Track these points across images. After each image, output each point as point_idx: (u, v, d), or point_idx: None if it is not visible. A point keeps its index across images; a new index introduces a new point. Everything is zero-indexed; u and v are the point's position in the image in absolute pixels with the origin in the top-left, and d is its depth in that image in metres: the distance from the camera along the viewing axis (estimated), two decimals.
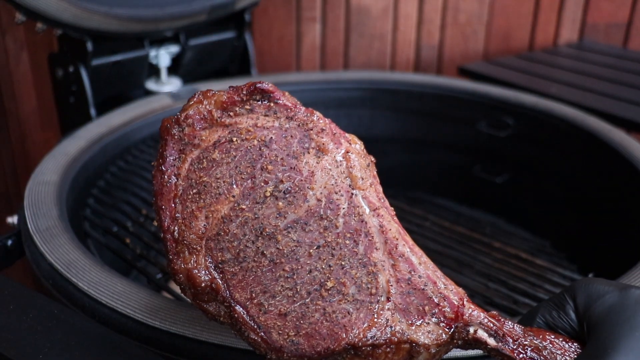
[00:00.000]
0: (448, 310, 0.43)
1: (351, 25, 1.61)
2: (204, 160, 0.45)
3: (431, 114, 1.23)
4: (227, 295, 0.44)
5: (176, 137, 0.46)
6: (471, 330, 0.43)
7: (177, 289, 0.76)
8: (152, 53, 1.16)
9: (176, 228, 0.45)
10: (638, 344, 0.39)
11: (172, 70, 1.21)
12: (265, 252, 0.44)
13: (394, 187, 1.24)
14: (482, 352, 0.46)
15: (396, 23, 1.61)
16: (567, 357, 0.42)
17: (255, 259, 0.44)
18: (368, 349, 0.43)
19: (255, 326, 0.44)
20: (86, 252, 0.66)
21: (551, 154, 1.10)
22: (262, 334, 0.43)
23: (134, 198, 0.95)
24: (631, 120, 1.08)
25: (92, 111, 1.08)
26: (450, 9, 1.59)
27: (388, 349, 0.43)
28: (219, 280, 0.44)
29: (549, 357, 0.42)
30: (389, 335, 0.43)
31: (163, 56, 1.17)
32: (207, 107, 0.45)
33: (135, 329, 0.56)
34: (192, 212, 0.44)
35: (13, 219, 0.77)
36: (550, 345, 0.43)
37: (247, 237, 0.44)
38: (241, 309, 0.44)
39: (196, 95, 0.46)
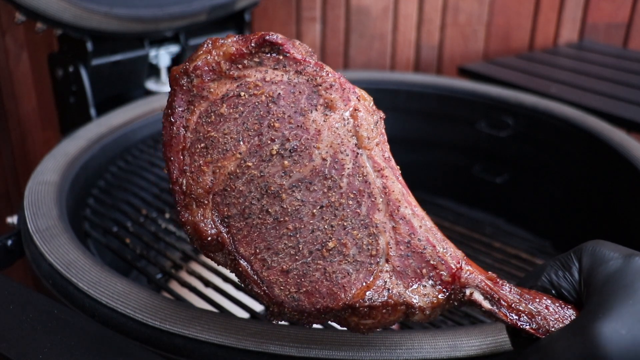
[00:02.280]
0: (445, 274, 0.44)
1: (351, 25, 1.61)
2: (212, 114, 0.44)
3: (431, 114, 1.23)
4: (233, 249, 0.45)
5: (185, 88, 0.45)
6: (467, 292, 0.44)
7: (177, 289, 0.76)
8: (152, 53, 1.16)
9: (184, 181, 0.45)
10: (630, 310, 0.38)
11: None
12: (269, 210, 0.44)
13: None
14: (484, 352, 0.46)
15: (396, 23, 1.61)
16: (561, 324, 0.43)
17: (260, 216, 0.44)
18: (365, 309, 0.44)
19: (259, 280, 0.45)
20: (86, 252, 0.66)
21: (551, 153, 1.10)
22: (265, 288, 0.45)
23: (134, 198, 0.95)
24: (631, 120, 1.08)
25: (92, 111, 1.08)
26: (450, 9, 1.59)
27: (384, 310, 0.44)
28: (224, 234, 0.45)
29: (541, 324, 0.43)
30: (385, 298, 0.43)
31: (163, 56, 1.18)
32: (216, 58, 0.44)
33: (135, 329, 0.56)
34: (199, 167, 0.45)
35: (13, 219, 0.77)
36: (545, 311, 0.43)
37: (252, 194, 0.44)
38: (245, 262, 0.45)
39: (205, 45, 0.45)
